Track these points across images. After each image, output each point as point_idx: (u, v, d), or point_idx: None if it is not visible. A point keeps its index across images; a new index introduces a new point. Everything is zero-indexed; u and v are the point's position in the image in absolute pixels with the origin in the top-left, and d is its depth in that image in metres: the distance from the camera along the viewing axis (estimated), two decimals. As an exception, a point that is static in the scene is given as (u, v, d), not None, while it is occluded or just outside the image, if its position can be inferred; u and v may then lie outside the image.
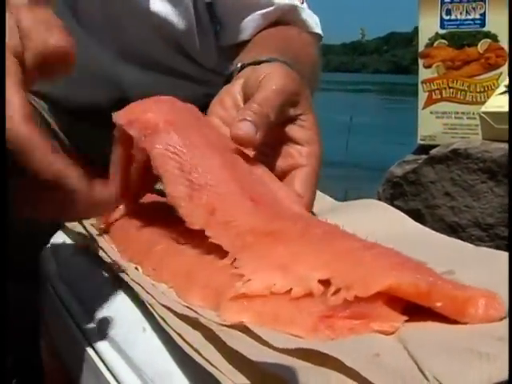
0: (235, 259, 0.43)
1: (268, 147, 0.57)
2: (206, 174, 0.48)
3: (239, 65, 0.67)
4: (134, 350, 0.43)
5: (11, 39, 0.40)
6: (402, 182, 0.95)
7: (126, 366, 0.43)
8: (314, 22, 0.91)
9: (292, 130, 0.57)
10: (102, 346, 0.47)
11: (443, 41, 1.00)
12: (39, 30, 0.41)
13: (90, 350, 0.48)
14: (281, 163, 0.57)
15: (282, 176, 0.56)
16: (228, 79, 0.66)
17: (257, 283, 0.38)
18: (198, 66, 0.94)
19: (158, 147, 0.49)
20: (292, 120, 0.57)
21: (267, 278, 0.38)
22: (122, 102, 0.57)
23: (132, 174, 0.56)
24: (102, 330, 0.48)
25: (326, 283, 0.37)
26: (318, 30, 0.92)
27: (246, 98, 0.59)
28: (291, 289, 0.37)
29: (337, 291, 0.36)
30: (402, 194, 0.94)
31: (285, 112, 0.56)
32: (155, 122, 0.51)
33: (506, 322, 0.36)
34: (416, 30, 1.04)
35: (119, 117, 0.54)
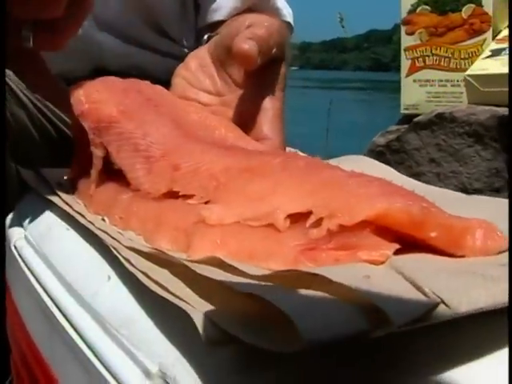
0: (208, 201, 0.39)
1: (229, 91, 0.56)
2: (162, 143, 0.45)
3: (206, 36, 0.68)
4: (97, 300, 0.39)
5: None
6: (385, 151, 0.92)
7: (89, 318, 0.39)
8: (287, 12, 0.91)
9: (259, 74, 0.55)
10: (66, 301, 0.43)
11: (426, 7, 0.97)
12: None
13: (54, 310, 0.45)
14: (244, 109, 0.54)
15: (245, 123, 0.53)
16: None
17: (228, 214, 0.34)
18: (179, 46, 0.91)
19: (113, 140, 0.48)
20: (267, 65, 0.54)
21: (240, 210, 0.35)
22: (98, 73, 0.55)
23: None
24: (67, 286, 0.44)
25: (308, 215, 0.33)
26: (290, 19, 0.91)
27: (220, 52, 0.57)
28: (271, 223, 0.34)
29: (319, 221, 0.32)
30: (386, 162, 0.90)
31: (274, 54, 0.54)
32: (109, 113, 0.49)
33: (506, 253, 0.32)
34: (395, 27, 1.01)
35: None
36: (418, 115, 0.92)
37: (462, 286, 0.26)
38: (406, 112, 0.96)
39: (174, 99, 0.55)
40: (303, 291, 0.27)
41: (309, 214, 0.33)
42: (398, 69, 1.01)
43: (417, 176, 0.86)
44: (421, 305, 0.25)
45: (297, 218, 0.34)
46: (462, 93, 0.91)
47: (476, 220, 0.33)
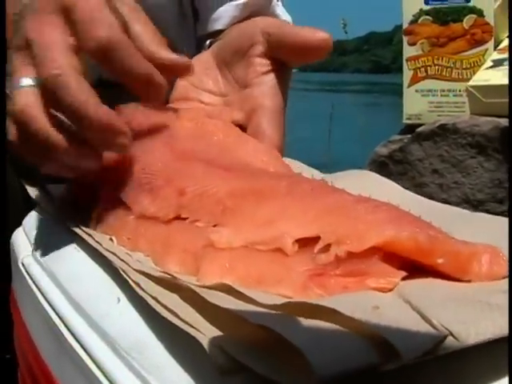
0: (216, 225, 0.40)
1: (232, 92, 0.58)
2: (162, 171, 0.45)
3: (208, 42, 0.67)
4: (107, 322, 0.39)
5: None
6: (387, 162, 0.92)
7: (99, 339, 0.39)
8: (286, 18, 0.91)
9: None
10: (75, 321, 0.43)
11: (428, 17, 0.98)
12: None
13: (63, 329, 0.45)
14: (246, 107, 0.55)
15: (247, 119, 0.54)
16: None
17: (236, 238, 0.35)
18: (179, 54, 0.92)
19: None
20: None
21: (248, 234, 0.35)
22: (101, 83, 0.55)
23: None
24: (76, 305, 0.45)
25: (316, 240, 0.34)
26: None
27: (226, 54, 0.58)
28: (279, 248, 0.34)
29: (327, 247, 0.33)
30: (389, 173, 0.91)
31: None
32: None
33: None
34: (396, 29, 1.02)
35: None
36: (420, 125, 0.93)
37: (469, 318, 0.27)
38: (409, 122, 0.97)
39: (165, 110, 0.54)
40: (313, 322, 0.27)
41: (317, 238, 0.34)
42: (398, 71, 1.02)
43: (420, 187, 0.86)
44: (429, 337, 0.25)
45: (305, 243, 0.34)
46: (464, 103, 0.92)
47: (482, 245, 0.34)
